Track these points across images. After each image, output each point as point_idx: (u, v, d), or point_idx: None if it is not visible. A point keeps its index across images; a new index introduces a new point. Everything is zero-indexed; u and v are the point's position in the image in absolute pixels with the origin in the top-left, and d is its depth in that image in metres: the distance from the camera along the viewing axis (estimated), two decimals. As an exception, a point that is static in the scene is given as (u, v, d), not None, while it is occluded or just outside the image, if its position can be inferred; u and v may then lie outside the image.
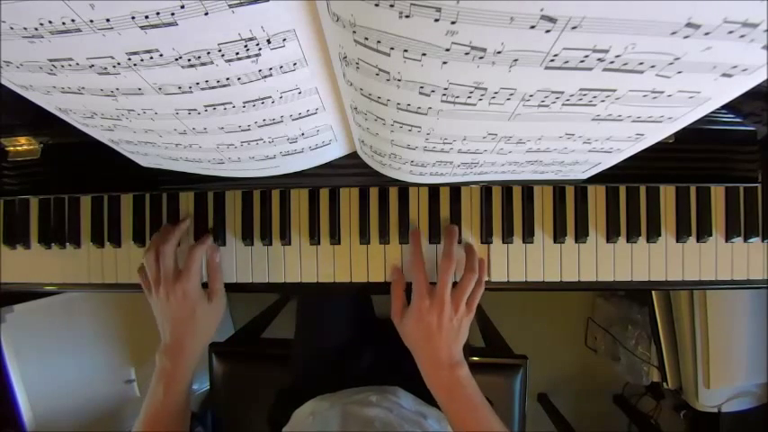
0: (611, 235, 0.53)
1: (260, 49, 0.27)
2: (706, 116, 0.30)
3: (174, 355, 0.50)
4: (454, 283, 0.50)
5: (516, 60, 0.24)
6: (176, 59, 0.27)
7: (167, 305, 0.50)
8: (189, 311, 0.50)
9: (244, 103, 0.32)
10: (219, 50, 0.26)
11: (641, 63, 0.24)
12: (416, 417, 0.55)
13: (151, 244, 0.52)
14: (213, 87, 0.30)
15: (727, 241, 0.54)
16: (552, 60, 0.23)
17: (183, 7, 0.23)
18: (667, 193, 0.54)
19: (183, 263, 0.51)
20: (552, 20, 0.20)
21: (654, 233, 0.53)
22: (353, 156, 0.49)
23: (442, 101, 0.29)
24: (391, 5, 0.21)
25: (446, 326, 0.49)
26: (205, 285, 0.54)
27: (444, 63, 0.25)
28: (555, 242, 0.54)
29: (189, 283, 0.50)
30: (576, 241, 0.54)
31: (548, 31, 0.21)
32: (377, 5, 0.21)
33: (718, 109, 0.29)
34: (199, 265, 0.51)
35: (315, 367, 0.69)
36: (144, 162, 0.48)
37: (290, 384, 0.70)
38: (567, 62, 0.24)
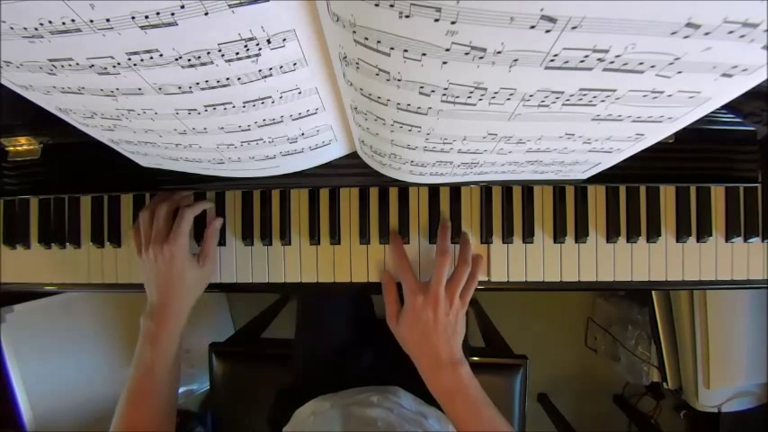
0: (611, 235, 0.53)
1: (260, 49, 0.27)
2: (706, 116, 0.30)
3: (159, 318, 0.49)
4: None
5: (516, 60, 0.24)
6: (176, 59, 0.27)
7: (155, 266, 0.49)
8: (176, 274, 0.49)
9: (244, 103, 0.32)
10: (219, 50, 0.26)
11: (641, 63, 0.24)
12: (417, 417, 0.55)
13: (150, 203, 0.52)
14: (213, 87, 0.30)
15: (727, 241, 0.54)
16: (552, 60, 0.23)
17: (183, 7, 0.23)
18: (667, 193, 0.54)
19: (174, 224, 0.50)
20: (552, 20, 0.20)
21: (654, 233, 0.53)
22: (353, 156, 0.49)
23: (442, 101, 0.29)
24: (391, 5, 0.21)
25: (443, 321, 0.48)
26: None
27: (444, 63, 0.25)
28: (555, 242, 0.54)
29: (176, 245, 0.49)
30: (576, 241, 0.54)
31: (548, 31, 0.21)
32: (377, 5, 0.21)
33: (718, 109, 0.29)
34: (187, 228, 0.51)
35: (315, 367, 0.69)
36: (144, 162, 0.48)
37: (290, 384, 0.69)
38: (567, 62, 0.24)
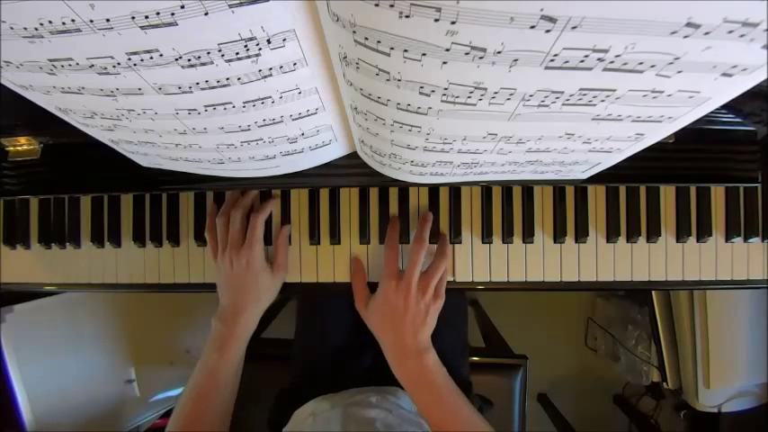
0: (611, 235, 0.53)
1: (260, 49, 0.27)
2: (706, 116, 0.30)
3: (231, 323, 0.50)
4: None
5: (516, 60, 0.24)
6: (176, 59, 0.27)
7: (231, 271, 0.50)
8: (251, 280, 0.50)
9: (244, 103, 0.32)
10: (219, 50, 0.26)
11: (641, 63, 0.24)
12: (416, 417, 0.55)
13: (224, 207, 0.52)
14: (213, 87, 0.30)
15: (727, 241, 0.54)
16: (552, 60, 0.23)
17: (183, 7, 0.23)
18: (667, 193, 0.54)
19: (247, 232, 0.51)
20: (552, 20, 0.20)
21: (654, 233, 0.53)
22: (353, 156, 0.49)
23: (442, 101, 0.29)
24: (391, 5, 0.21)
25: (412, 308, 0.48)
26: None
27: (444, 63, 0.25)
28: (555, 242, 0.54)
29: (252, 251, 0.50)
30: (576, 241, 0.54)
31: (548, 31, 0.21)
32: (377, 5, 0.21)
33: (718, 109, 0.29)
34: (261, 234, 0.51)
35: (315, 367, 0.69)
36: (144, 162, 0.48)
37: (289, 384, 0.69)
38: (567, 62, 0.24)
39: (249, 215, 0.52)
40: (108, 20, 0.23)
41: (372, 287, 0.54)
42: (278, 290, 0.54)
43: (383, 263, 0.51)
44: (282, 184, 0.55)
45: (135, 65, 0.27)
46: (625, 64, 0.24)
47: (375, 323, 0.51)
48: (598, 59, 0.23)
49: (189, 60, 0.27)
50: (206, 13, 0.23)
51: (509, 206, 0.54)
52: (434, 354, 0.49)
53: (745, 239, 0.54)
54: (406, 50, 0.24)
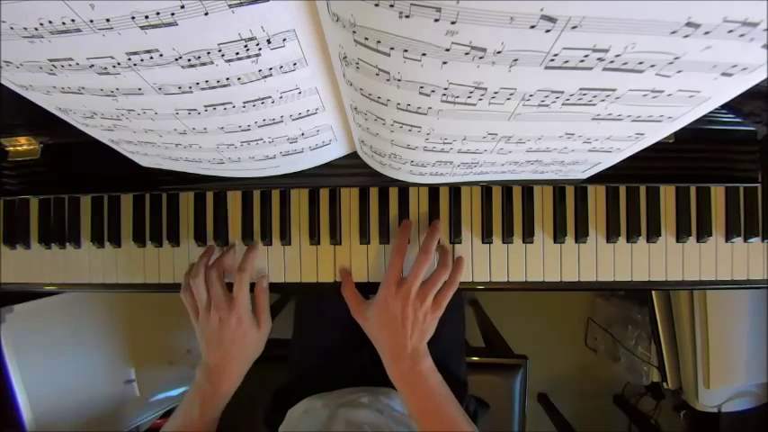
0: (611, 235, 0.53)
1: (260, 49, 0.27)
2: (706, 116, 0.30)
3: (217, 380, 0.50)
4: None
5: (516, 60, 0.24)
6: (176, 59, 0.27)
7: (217, 331, 0.50)
8: (240, 339, 0.50)
9: (244, 103, 0.32)
10: (219, 50, 0.26)
11: (641, 62, 0.24)
12: (407, 419, 0.55)
13: (198, 268, 0.51)
14: (213, 87, 0.30)
15: (727, 241, 0.54)
16: (552, 60, 0.23)
17: (183, 7, 0.23)
18: (667, 193, 0.54)
19: (234, 289, 0.50)
20: (552, 19, 0.20)
21: (654, 233, 0.53)
22: (353, 156, 0.49)
23: (442, 101, 0.29)
24: (391, 5, 0.21)
25: (410, 316, 0.48)
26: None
27: (444, 63, 0.25)
28: (555, 242, 0.54)
29: (241, 310, 0.50)
30: (576, 241, 0.54)
31: (548, 31, 0.21)
32: (377, 5, 0.21)
33: (718, 109, 0.29)
34: (248, 291, 0.51)
35: (312, 367, 0.69)
36: (144, 162, 0.48)
37: (287, 383, 0.70)
38: (567, 62, 0.24)
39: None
40: (108, 20, 0.23)
41: (372, 288, 0.54)
42: (264, 343, 0.54)
43: (387, 267, 0.51)
44: (282, 184, 0.55)
45: (135, 65, 0.27)
46: (625, 64, 0.24)
47: (372, 329, 0.51)
48: (598, 59, 0.23)
49: (189, 60, 0.27)
50: (206, 13, 0.23)
51: (509, 206, 0.54)
52: (430, 360, 0.50)
53: (745, 239, 0.53)
54: (405, 50, 0.24)
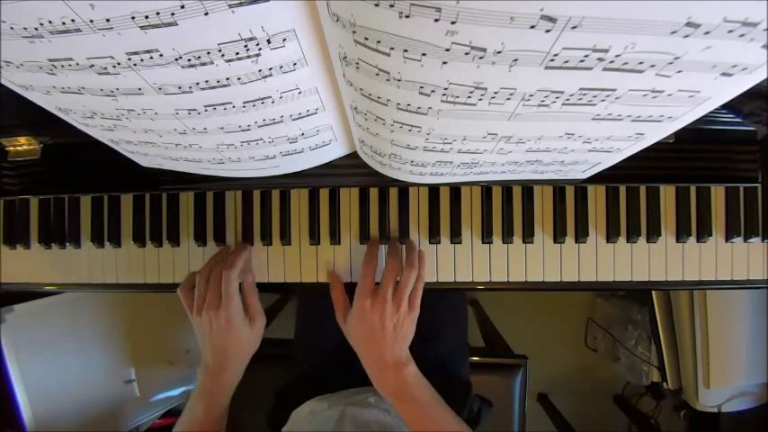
0: (611, 235, 0.53)
1: (260, 49, 0.27)
2: (706, 116, 0.30)
3: (216, 377, 0.51)
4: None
5: (516, 60, 0.24)
6: (176, 59, 0.27)
7: (210, 330, 0.50)
8: (232, 337, 0.50)
9: (244, 103, 0.32)
10: (219, 50, 0.26)
11: (641, 62, 0.24)
12: None
13: (206, 265, 0.52)
14: (213, 87, 0.30)
15: (727, 241, 0.54)
16: (552, 60, 0.23)
17: (183, 7, 0.23)
18: (667, 193, 0.54)
19: (222, 289, 0.50)
20: (552, 19, 0.20)
21: (654, 233, 0.53)
22: (353, 156, 0.49)
23: (442, 101, 0.29)
24: (391, 5, 0.21)
25: (388, 324, 0.48)
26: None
27: (444, 63, 0.25)
28: (555, 242, 0.54)
29: (231, 309, 0.50)
30: (576, 241, 0.54)
31: (548, 31, 0.21)
32: (377, 5, 0.21)
33: (718, 109, 0.29)
34: (237, 289, 0.51)
35: (314, 367, 0.69)
36: (144, 162, 0.48)
37: (289, 384, 0.69)
38: (567, 62, 0.24)
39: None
40: (108, 20, 0.23)
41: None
42: (260, 338, 0.54)
43: (359, 278, 0.51)
44: (282, 184, 0.55)
45: (135, 65, 0.27)
46: (625, 64, 0.24)
47: (352, 339, 0.52)
48: (598, 59, 0.23)
49: (189, 60, 0.27)
50: (206, 13, 0.23)
51: (509, 206, 0.54)
52: (414, 366, 0.50)
53: (745, 239, 0.53)
54: (405, 50, 0.24)
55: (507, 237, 0.54)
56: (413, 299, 0.50)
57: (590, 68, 0.24)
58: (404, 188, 0.55)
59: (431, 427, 0.47)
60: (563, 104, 0.28)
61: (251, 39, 0.26)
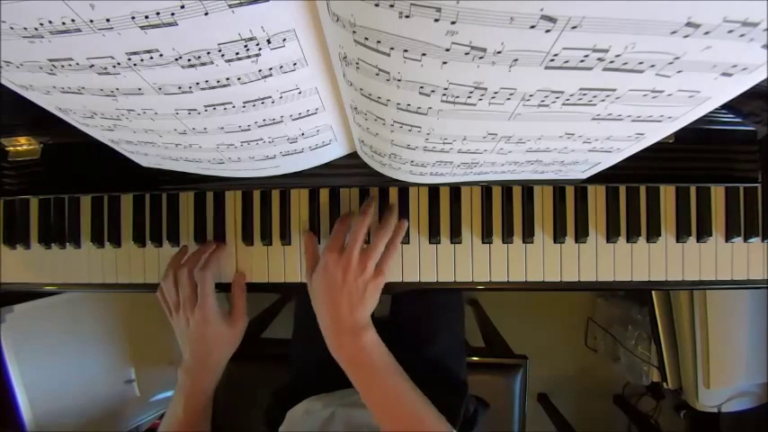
0: (611, 235, 0.53)
1: (260, 49, 0.27)
2: (706, 116, 0.30)
3: (195, 376, 0.51)
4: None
5: (516, 60, 0.24)
6: (176, 59, 0.27)
7: (187, 330, 0.50)
8: (209, 336, 0.50)
9: (244, 103, 0.32)
10: (219, 50, 0.26)
11: (641, 62, 0.24)
12: None
13: (168, 268, 0.52)
14: (213, 87, 0.30)
15: (727, 241, 0.54)
16: (552, 60, 0.23)
17: (183, 7, 0.23)
18: (667, 193, 0.54)
19: (198, 289, 0.50)
20: (552, 19, 0.20)
21: (654, 233, 0.53)
22: (353, 156, 0.49)
23: (442, 101, 0.29)
24: (391, 5, 0.21)
25: (350, 284, 0.46)
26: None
27: (444, 63, 0.25)
28: (555, 242, 0.54)
29: (205, 309, 0.50)
30: (576, 241, 0.54)
31: (548, 31, 0.21)
32: (377, 5, 0.21)
33: (718, 109, 0.29)
34: (212, 289, 0.51)
35: (312, 367, 0.69)
36: (144, 162, 0.48)
37: (287, 384, 0.69)
38: (567, 62, 0.24)
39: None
40: (108, 20, 0.23)
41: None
42: (240, 338, 0.54)
43: (331, 232, 0.50)
44: (282, 184, 0.55)
45: (135, 65, 0.27)
46: (625, 64, 0.24)
47: (314, 296, 0.50)
48: (598, 59, 0.23)
49: (189, 60, 0.27)
50: (206, 13, 0.23)
51: (509, 206, 0.54)
52: (373, 332, 0.48)
53: (745, 239, 0.53)
54: (406, 50, 0.24)
55: (507, 237, 0.54)
56: (381, 265, 0.48)
57: (590, 68, 0.24)
58: (404, 188, 0.55)
59: (389, 397, 0.46)
60: (563, 104, 0.29)
61: (251, 39, 0.26)
